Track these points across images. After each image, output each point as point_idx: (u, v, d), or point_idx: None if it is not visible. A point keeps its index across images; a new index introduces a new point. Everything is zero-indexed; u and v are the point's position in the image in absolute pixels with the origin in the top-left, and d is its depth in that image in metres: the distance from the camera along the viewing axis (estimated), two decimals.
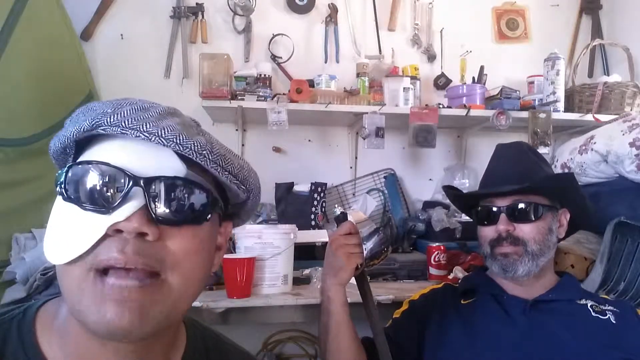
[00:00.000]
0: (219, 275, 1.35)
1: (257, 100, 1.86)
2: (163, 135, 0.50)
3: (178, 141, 0.51)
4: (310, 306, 1.33)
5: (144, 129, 0.50)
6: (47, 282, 1.25)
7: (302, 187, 1.95)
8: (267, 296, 1.33)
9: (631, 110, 1.97)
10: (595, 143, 1.56)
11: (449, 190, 1.26)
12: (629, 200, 1.47)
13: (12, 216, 1.50)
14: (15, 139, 1.52)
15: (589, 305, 1.06)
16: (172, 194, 0.51)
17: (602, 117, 1.93)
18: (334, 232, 1.08)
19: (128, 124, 0.50)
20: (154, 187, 0.50)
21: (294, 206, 1.92)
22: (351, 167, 2.21)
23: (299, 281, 1.50)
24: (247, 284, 1.30)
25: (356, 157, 2.21)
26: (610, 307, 1.06)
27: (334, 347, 1.01)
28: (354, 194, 2.17)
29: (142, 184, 0.49)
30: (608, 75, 2.21)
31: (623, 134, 1.50)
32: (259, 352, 1.98)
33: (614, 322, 1.02)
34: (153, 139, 0.50)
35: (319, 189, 1.94)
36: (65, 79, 1.80)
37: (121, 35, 2.05)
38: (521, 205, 1.08)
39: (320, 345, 1.06)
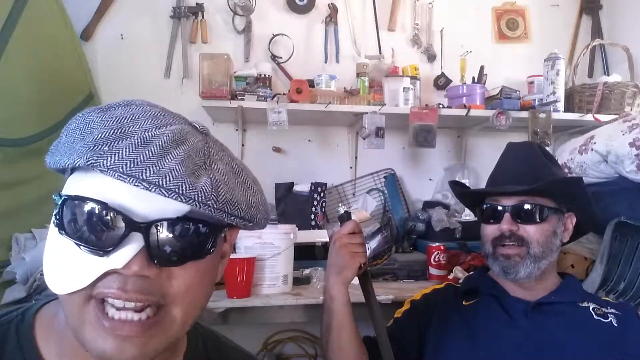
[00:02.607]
0: None
1: (257, 100, 1.85)
2: (164, 186, 0.46)
3: (180, 191, 0.47)
4: (310, 306, 1.33)
5: (144, 177, 0.46)
6: None
7: (302, 187, 1.95)
8: (267, 296, 1.33)
9: (631, 110, 1.97)
10: (595, 143, 1.56)
11: (456, 186, 1.25)
12: (629, 200, 1.46)
13: (12, 216, 1.49)
14: (15, 139, 1.52)
15: (590, 308, 1.05)
16: (174, 236, 0.49)
17: (602, 117, 1.93)
18: (337, 231, 1.07)
19: (126, 170, 0.46)
20: (154, 231, 0.48)
21: (294, 206, 1.92)
22: (351, 167, 2.21)
23: (299, 281, 1.50)
24: (247, 284, 1.30)
25: (356, 157, 2.20)
26: (612, 310, 1.05)
27: (335, 346, 1.01)
28: (354, 194, 2.17)
29: (142, 228, 0.47)
30: (608, 75, 2.20)
31: (623, 134, 1.49)
32: (259, 352, 1.98)
33: (616, 325, 1.02)
34: (153, 189, 0.46)
35: (319, 189, 1.93)
36: (65, 79, 1.80)
37: (121, 35, 2.05)
38: (527, 206, 1.07)
39: (322, 343, 1.06)
